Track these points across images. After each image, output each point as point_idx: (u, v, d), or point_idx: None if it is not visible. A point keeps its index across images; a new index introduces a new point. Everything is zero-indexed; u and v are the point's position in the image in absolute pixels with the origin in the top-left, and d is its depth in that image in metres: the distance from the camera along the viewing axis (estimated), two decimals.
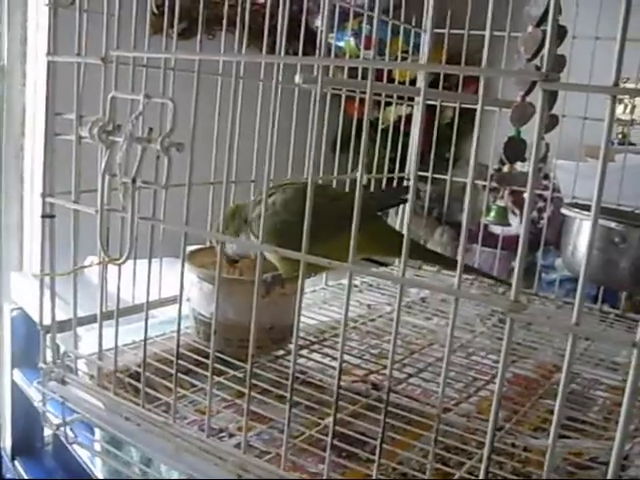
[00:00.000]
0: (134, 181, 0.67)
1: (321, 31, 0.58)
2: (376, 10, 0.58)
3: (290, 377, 0.63)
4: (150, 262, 0.76)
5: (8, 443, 1.75)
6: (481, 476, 0.53)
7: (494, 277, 1.16)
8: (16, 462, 1.73)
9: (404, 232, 1.53)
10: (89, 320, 0.90)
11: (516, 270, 0.48)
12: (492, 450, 0.51)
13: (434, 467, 0.73)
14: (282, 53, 1.06)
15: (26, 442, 1.76)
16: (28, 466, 1.71)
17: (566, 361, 0.47)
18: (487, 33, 0.54)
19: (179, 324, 0.74)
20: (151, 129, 0.67)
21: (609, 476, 0.47)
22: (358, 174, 0.55)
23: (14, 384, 1.72)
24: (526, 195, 1.37)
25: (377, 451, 0.60)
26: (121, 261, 0.73)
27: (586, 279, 0.46)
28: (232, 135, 0.74)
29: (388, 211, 1.29)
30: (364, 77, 0.58)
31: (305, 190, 0.58)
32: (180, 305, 0.73)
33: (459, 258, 0.51)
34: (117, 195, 0.73)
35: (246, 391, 0.81)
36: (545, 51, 0.45)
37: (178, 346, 0.74)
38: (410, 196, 0.56)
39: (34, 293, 0.91)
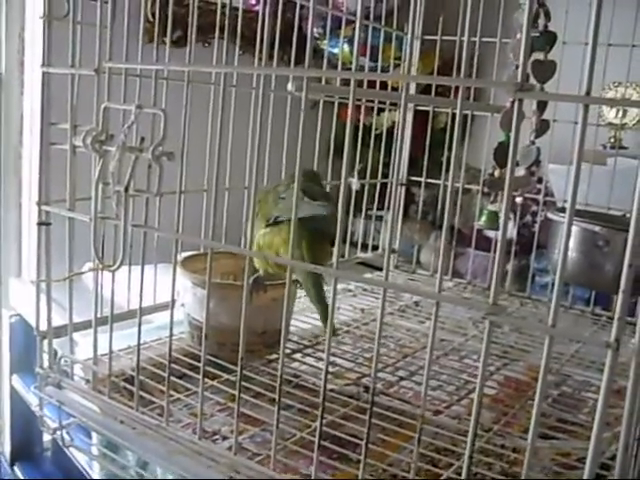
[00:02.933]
0: (127, 189, 0.69)
1: (310, 39, 0.60)
2: (357, 15, 0.60)
3: (278, 379, 0.65)
4: (143, 268, 0.78)
5: (7, 448, 1.76)
6: (463, 475, 0.54)
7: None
8: (15, 467, 1.74)
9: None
10: (85, 325, 0.91)
11: (494, 274, 0.49)
12: (473, 449, 0.52)
13: (424, 469, 0.75)
14: (275, 61, 1.09)
15: (25, 447, 1.77)
16: (27, 471, 1.72)
17: (543, 361, 0.49)
18: (477, 40, 0.56)
19: (171, 328, 0.75)
20: (143, 139, 0.69)
21: (586, 474, 0.48)
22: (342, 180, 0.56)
23: (13, 390, 1.73)
24: (518, 200, 1.38)
25: (363, 451, 0.61)
26: (114, 268, 0.74)
27: (562, 281, 0.48)
28: (225, 143, 0.75)
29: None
30: (358, 85, 0.60)
31: None
32: (172, 309, 0.75)
33: (439, 264, 0.52)
34: (111, 203, 0.74)
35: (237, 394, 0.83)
36: (520, 61, 0.46)
37: (170, 350, 0.75)
38: (393, 202, 0.57)
39: (33, 299, 0.93)
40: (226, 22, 0.71)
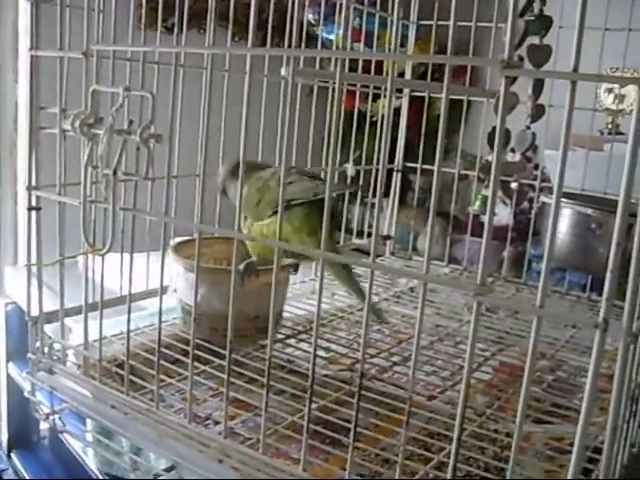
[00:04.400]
0: (115, 173, 0.68)
1: (298, 22, 0.59)
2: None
3: (267, 361, 0.64)
4: (132, 251, 0.77)
5: (4, 437, 1.76)
6: (451, 458, 0.54)
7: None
8: (12, 455, 1.74)
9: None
10: (77, 311, 0.91)
11: (481, 256, 0.49)
12: (462, 432, 0.52)
13: (416, 453, 0.75)
14: (268, 45, 1.08)
15: (22, 436, 1.77)
16: (25, 459, 1.72)
17: (531, 342, 0.49)
18: (473, 25, 0.55)
19: (160, 312, 0.75)
20: (131, 121, 0.68)
21: (573, 458, 0.48)
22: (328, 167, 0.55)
23: (9, 378, 1.73)
24: (514, 185, 1.38)
25: (351, 435, 0.60)
26: (104, 252, 0.74)
27: (550, 263, 0.47)
28: (218, 127, 0.75)
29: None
30: (353, 70, 0.59)
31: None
32: (161, 294, 0.74)
33: (426, 252, 0.52)
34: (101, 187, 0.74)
35: (232, 380, 0.83)
36: (507, 39, 0.46)
37: (160, 335, 0.75)
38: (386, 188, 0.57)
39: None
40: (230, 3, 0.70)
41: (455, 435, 0.53)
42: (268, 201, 0.90)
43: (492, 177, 0.47)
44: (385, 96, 1.47)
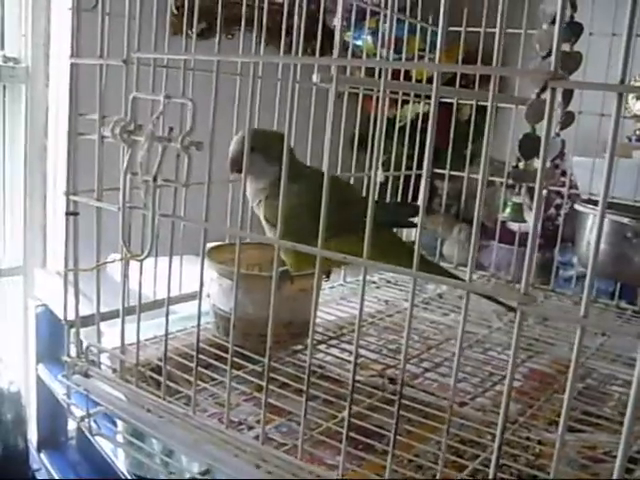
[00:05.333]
0: (155, 179, 0.69)
1: (338, 30, 0.60)
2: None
3: (307, 369, 0.65)
4: (171, 258, 0.78)
5: (34, 437, 1.78)
6: (491, 467, 0.54)
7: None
8: (42, 454, 1.76)
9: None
10: (111, 315, 0.92)
11: (526, 264, 0.49)
12: (502, 442, 0.52)
13: (450, 460, 0.75)
14: (300, 53, 1.08)
15: (51, 436, 1.79)
16: (53, 459, 1.74)
17: (575, 352, 0.49)
18: (497, 31, 0.55)
19: (199, 318, 0.76)
20: (171, 128, 0.69)
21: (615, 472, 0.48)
22: (372, 173, 0.55)
23: (39, 379, 1.75)
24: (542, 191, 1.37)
25: (391, 442, 0.61)
26: (142, 257, 0.75)
27: (594, 272, 0.47)
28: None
29: None
30: (380, 75, 0.60)
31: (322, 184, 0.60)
32: (200, 300, 0.75)
33: (470, 260, 0.52)
34: (139, 193, 0.75)
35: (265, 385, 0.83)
36: (554, 49, 0.46)
37: (198, 339, 0.76)
38: (422, 195, 0.57)
39: (58, 290, 0.94)
40: (256, 9, 0.70)
41: (496, 445, 0.53)
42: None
43: (536, 189, 0.47)
44: (414, 102, 1.48)
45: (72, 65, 0.81)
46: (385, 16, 1.36)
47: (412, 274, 0.55)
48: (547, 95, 0.47)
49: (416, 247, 0.56)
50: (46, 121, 2.02)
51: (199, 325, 0.76)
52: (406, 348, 0.59)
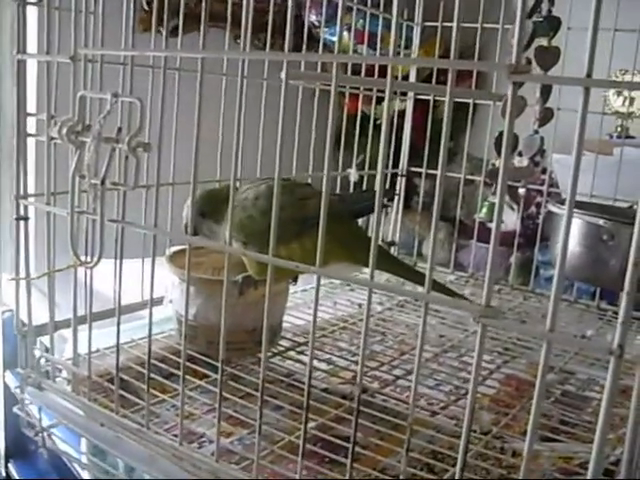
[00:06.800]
0: (103, 182, 0.65)
1: (289, 25, 0.56)
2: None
3: (261, 383, 0.61)
4: (121, 265, 0.74)
5: (1, 446, 1.73)
6: None
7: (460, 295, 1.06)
8: (9, 465, 1.71)
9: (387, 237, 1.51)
10: (68, 324, 0.88)
11: (487, 275, 0.45)
12: (464, 464, 0.48)
13: (418, 476, 0.71)
14: (267, 48, 1.05)
15: (19, 445, 1.74)
16: (21, 469, 1.69)
17: (540, 368, 0.45)
18: (479, 26, 0.52)
19: (150, 327, 0.72)
20: (120, 129, 0.65)
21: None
22: (324, 172, 0.52)
23: (6, 387, 1.70)
24: (521, 190, 1.34)
25: (350, 456, 0.57)
26: (92, 265, 0.71)
27: (562, 278, 0.44)
28: (213, 134, 0.72)
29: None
30: (356, 72, 0.56)
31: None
32: (151, 306, 0.71)
33: (428, 263, 0.48)
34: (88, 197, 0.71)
35: (228, 396, 0.80)
36: (514, 42, 0.42)
37: (150, 349, 0.72)
38: (377, 192, 0.53)
39: (23, 295, 0.90)
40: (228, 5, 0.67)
41: (458, 467, 0.49)
42: (290, 221, 0.83)
43: (499, 186, 0.43)
44: (390, 99, 1.44)
45: (18, 62, 0.77)
46: (359, 10, 1.33)
47: (368, 284, 0.51)
48: (509, 89, 0.44)
49: (372, 247, 0.52)
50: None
51: (150, 335, 0.72)
52: (362, 367, 0.55)
